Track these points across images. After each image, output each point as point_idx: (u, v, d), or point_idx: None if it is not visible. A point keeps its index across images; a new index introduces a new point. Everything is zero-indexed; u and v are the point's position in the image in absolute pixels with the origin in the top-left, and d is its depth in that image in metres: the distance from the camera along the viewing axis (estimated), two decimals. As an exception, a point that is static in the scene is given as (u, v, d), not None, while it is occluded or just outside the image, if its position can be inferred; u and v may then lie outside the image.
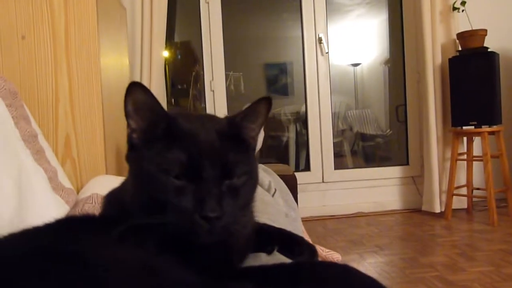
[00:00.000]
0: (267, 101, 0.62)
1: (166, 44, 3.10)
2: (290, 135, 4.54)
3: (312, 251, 0.71)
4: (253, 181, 0.62)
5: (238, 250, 0.61)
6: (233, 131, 0.60)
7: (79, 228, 0.58)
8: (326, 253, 1.05)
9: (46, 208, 1.07)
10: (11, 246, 0.52)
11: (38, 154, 1.19)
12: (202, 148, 0.56)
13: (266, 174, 1.26)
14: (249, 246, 0.66)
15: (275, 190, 1.17)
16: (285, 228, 0.77)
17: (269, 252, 0.69)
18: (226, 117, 0.64)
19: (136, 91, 0.58)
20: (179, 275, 0.47)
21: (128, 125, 0.60)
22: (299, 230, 1.07)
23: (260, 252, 0.68)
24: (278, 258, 0.67)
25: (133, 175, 0.61)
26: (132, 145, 0.61)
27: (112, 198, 0.67)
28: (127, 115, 0.60)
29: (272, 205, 1.01)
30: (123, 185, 0.66)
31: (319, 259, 0.85)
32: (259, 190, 1.13)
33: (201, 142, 0.56)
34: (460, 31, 3.11)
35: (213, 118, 0.65)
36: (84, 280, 0.42)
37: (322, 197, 3.45)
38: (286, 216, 1.05)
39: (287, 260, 0.67)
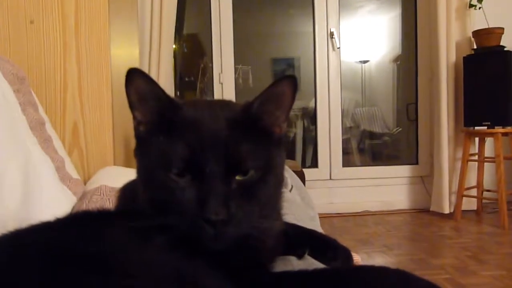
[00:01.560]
0: (290, 81, 0.52)
1: (174, 36, 3.04)
2: (297, 131, 4.49)
3: (347, 255, 0.64)
4: (275, 177, 0.53)
5: (266, 254, 0.55)
6: (248, 118, 0.52)
7: (97, 225, 0.51)
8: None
9: (53, 199, 1.03)
10: (18, 244, 0.46)
11: (46, 143, 1.14)
12: (205, 138, 0.48)
13: (282, 170, 1.20)
14: (277, 249, 0.59)
15: (292, 186, 1.11)
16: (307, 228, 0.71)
17: (300, 256, 0.62)
18: (244, 103, 0.55)
19: (137, 79, 0.51)
20: (218, 283, 0.41)
21: (134, 117, 0.54)
22: (319, 230, 1.01)
23: (289, 256, 0.62)
24: (310, 263, 0.60)
25: (138, 172, 0.55)
26: (139, 139, 0.55)
27: (126, 192, 0.62)
28: (131, 106, 0.54)
29: (295, 204, 0.95)
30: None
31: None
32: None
33: (205, 132, 0.49)
34: (476, 29, 3.04)
35: (227, 104, 0.57)
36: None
37: (329, 194, 3.40)
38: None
39: (319, 265, 0.60)
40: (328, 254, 0.64)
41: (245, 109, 0.53)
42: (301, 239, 0.66)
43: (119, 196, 0.63)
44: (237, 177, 0.49)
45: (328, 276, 0.52)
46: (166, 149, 0.49)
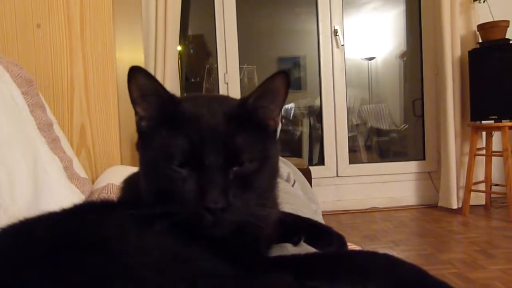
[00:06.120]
0: (283, 76, 0.55)
1: (179, 37, 3.07)
2: (304, 129, 4.49)
3: (342, 241, 0.66)
4: (270, 168, 0.56)
5: (263, 241, 0.57)
6: (244, 112, 0.55)
7: (99, 213, 0.55)
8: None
9: (62, 197, 1.05)
10: (24, 230, 0.49)
11: (54, 143, 1.17)
12: (205, 132, 0.52)
13: (285, 165, 1.22)
14: (274, 236, 0.62)
15: (294, 181, 1.13)
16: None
17: (295, 243, 0.64)
18: (240, 98, 0.58)
19: (139, 76, 0.54)
20: (211, 265, 0.44)
21: (136, 112, 0.57)
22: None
23: (285, 243, 0.64)
24: (305, 249, 0.63)
25: (141, 164, 0.58)
26: (141, 133, 0.58)
27: (130, 183, 0.65)
28: (133, 102, 0.57)
29: (294, 196, 0.97)
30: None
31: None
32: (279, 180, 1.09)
33: (204, 126, 0.52)
34: (480, 22, 3.02)
35: (225, 99, 0.60)
36: (110, 270, 0.38)
37: (337, 191, 3.41)
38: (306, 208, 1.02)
39: (314, 251, 0.63)
40: (323, 241, 0.66)
41: (242, 104, 0.56)
42: (297, 227, 0.68)
43: (122, 187, 0.66)
44: (234, 168, 0.52)
45: (320, 258, 0.54)
46: (168, 142, 0.52)
